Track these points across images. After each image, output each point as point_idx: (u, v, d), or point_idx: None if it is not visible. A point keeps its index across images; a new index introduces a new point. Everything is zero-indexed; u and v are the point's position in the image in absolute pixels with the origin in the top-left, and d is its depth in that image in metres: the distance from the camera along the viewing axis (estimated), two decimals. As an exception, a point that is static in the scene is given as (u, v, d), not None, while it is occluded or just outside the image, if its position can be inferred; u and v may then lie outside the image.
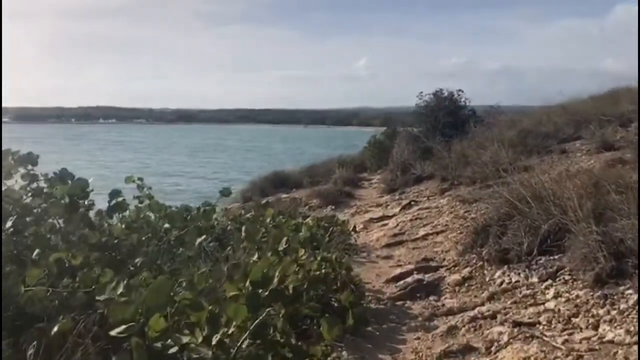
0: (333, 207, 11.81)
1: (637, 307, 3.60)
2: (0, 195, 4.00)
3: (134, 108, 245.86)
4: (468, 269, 4.93)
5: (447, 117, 17.27)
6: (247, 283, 3.19)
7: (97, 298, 2.88)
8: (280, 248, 4.44)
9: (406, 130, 17.07)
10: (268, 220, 6.83)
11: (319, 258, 4.34)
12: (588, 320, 3.52)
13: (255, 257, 4.39)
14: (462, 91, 18.34)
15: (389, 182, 13.59)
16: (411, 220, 8.13)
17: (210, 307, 2.60)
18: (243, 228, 5.67)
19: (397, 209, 9.89)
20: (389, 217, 9.26)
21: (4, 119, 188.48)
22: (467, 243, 5.48)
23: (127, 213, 5.81)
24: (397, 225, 8.09)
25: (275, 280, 3.61)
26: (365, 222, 9.10)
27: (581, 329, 3.47)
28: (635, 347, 3.11)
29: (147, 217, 5.95)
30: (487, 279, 4.58)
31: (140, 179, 6.40)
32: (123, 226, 5.43)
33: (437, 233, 6.99)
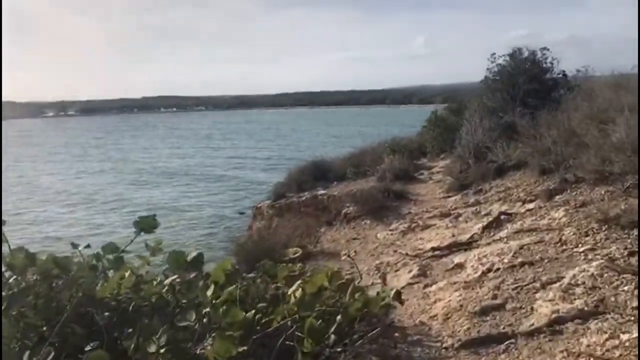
0: (374, 217, 7.94)
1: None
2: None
3: (195, 96, 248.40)
4: None
5: (529, 84, 13.21)
6: None
7: None
8: None
9: (481, 101, 12.88)
10: (210, 293, 3.17)
11: None
12: None
13: None
14: (548, 49, 14.06)
15: (458, 175, 9.62)
16: (511, 264, 4.19)
17: None
18: None
19: (477, 227, 5.97)
20: (465, 247, 5.38)
21: (70, 112, 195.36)
22: None
23: None
24: (484, 275, 4.18)
25: None
26: (422, 261, 5.24)
27: None
28: None
29: None
30: None
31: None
32: None
33: (583, 317, 3.08)
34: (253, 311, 2.90)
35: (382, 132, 19.35)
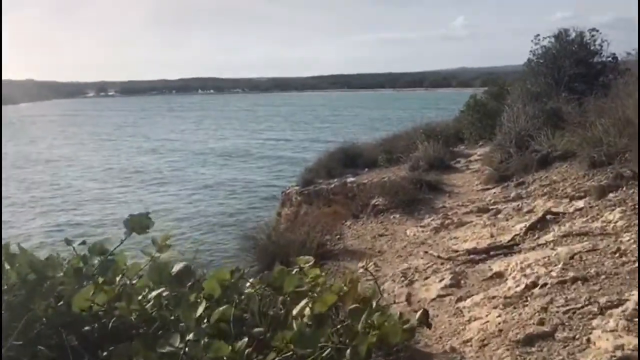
0: (404, 211, 7.34)
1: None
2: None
3: (231, 78, 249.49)
4: None
5: (575, 67, 12.40)
6: None
7: None
8: None
9: (523, 85, 12.10)
10: (200, 311, 2.67)
11: None
12: None
13: None
14: (597, 31, 13.12)
15: (498, 165, 8.92)
16: (560, 279, 3.58)
17: None
18: None
19: (519, 226, 5.35)
20: (505, 250, 4.77)
21: (110, 93, 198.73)
22: None
23: None
24: (528, 291, 3.58)
25: None
26: (456, 267, 4.66)
27: None
28: None
29: None
30: None
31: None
32: None
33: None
34: (245, 340, 2.38)
35: (419, 116, 18.93)
